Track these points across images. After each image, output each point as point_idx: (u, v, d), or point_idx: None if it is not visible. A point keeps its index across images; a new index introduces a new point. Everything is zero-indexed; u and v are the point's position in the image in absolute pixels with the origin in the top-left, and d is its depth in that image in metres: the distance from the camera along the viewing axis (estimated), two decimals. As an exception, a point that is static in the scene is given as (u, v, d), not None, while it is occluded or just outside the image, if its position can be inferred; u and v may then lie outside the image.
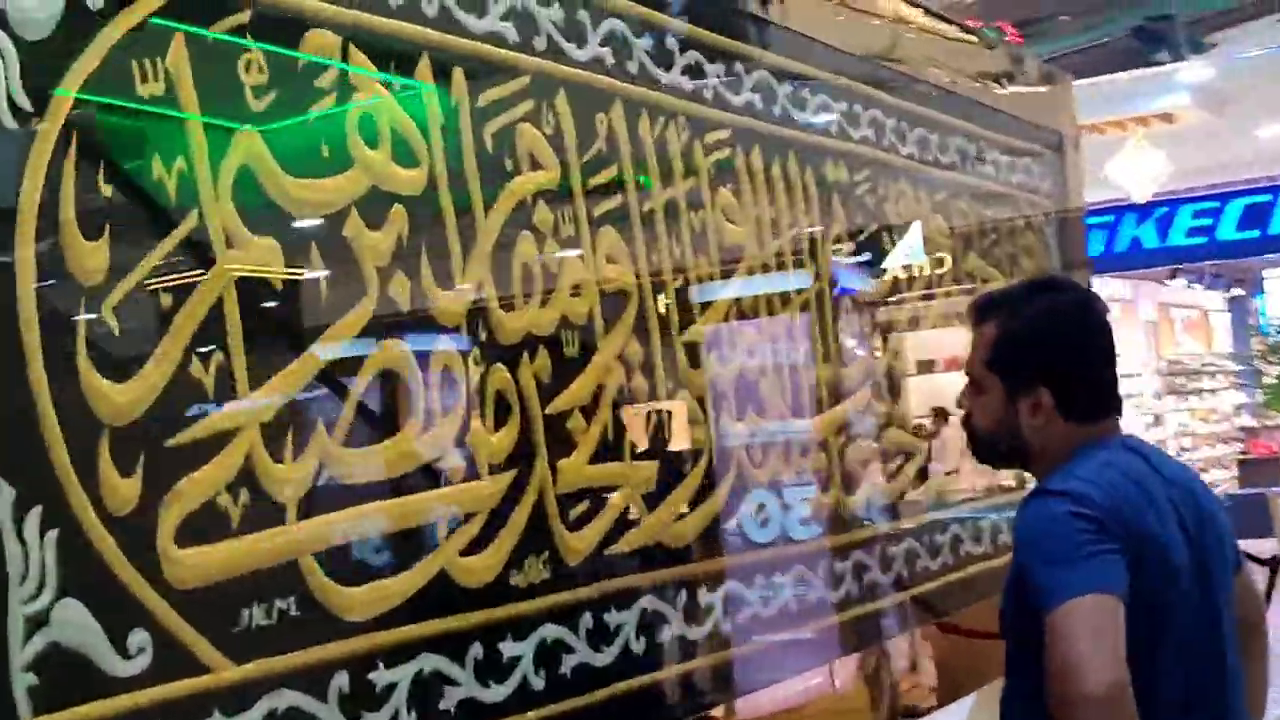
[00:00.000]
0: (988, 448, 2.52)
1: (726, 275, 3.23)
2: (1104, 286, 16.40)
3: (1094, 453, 2.39)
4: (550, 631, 2.55)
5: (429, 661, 2.28)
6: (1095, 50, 11.35)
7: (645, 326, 2.88)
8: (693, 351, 3.05)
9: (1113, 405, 2.47)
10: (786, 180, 3.48)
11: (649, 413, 2.89)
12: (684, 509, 2.95)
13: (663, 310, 2.94)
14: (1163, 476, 2.38)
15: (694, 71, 3.11)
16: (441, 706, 2.30)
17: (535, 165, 2.64)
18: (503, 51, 2.58)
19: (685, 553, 2.96)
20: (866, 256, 3.98)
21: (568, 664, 2.57)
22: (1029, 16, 9.57)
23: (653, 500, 2.86)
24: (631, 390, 2.84)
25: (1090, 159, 11.29)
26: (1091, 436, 2.39)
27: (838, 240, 3.78)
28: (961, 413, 2.50)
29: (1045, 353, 2.43)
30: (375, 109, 2.29)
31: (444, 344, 2.39)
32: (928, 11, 4.40)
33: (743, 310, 3.34)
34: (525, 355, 2.56)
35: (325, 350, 2.16)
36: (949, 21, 4.63)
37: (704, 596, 2.98)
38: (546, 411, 2.60)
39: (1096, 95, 10.23)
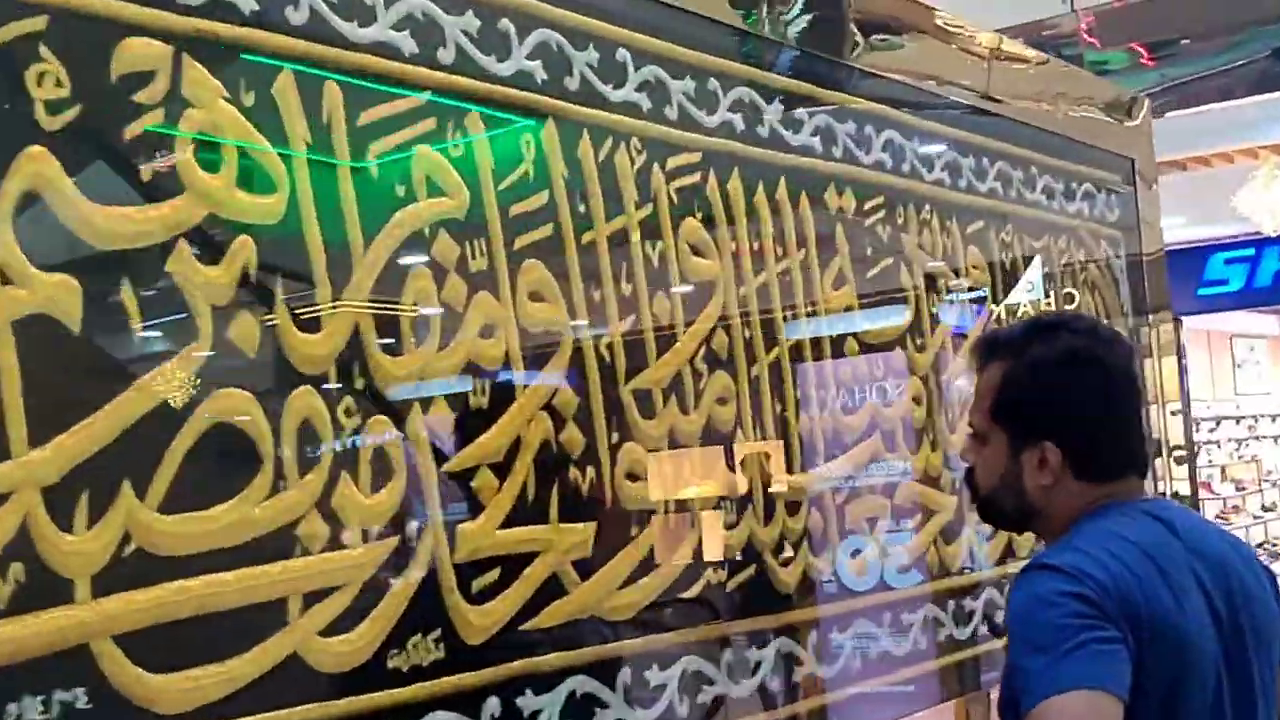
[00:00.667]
0: (991, 507, 2.20)
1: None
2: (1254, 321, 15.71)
3: (1105, 518, 2.05)
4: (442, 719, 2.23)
5: (273, 760, 1.98)
6: (1232, 73, 10.79)
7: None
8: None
9: (1133, 463, 2.10)
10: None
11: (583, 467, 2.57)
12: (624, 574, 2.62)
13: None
14: (1191, 549, 2.01)
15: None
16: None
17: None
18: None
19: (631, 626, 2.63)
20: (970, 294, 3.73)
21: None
22: (1162, 38, 9.11)
23: (586, 567, 2.53)
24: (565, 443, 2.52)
25: (1221, 189, 10.74)
26: (1105, 498, 2.08)
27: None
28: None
29: (1051, 402, 2.08)
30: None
31: (302, 393, 2.09)
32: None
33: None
34: (417, 406, 2.26)
35: (138, 400, 1.88)
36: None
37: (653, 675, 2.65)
38: (444, 469, 2.30)
39: (1226, 123, 9.69)
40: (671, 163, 2.83)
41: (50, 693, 1.75)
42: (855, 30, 3.44)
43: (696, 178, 2.91)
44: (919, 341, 3.57)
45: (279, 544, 2.03)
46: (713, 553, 2.84)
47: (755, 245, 3.06)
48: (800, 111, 3.19)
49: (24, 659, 1.73)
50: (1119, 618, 1.93)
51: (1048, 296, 4.10)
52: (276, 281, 2.08)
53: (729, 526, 2.89)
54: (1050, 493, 2.12)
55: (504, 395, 2.41)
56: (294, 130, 2.12)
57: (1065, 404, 2.12)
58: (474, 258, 2.39)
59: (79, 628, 1.78)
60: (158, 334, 1.93)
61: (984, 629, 3.57)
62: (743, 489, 2.93)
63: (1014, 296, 3.93)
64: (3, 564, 1.72)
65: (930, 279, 3.64)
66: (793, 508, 3.05)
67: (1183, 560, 2.05)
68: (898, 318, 3.50)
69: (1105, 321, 3.72)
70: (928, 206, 3.66)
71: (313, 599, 2.07)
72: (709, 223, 2.92)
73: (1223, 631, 2.04)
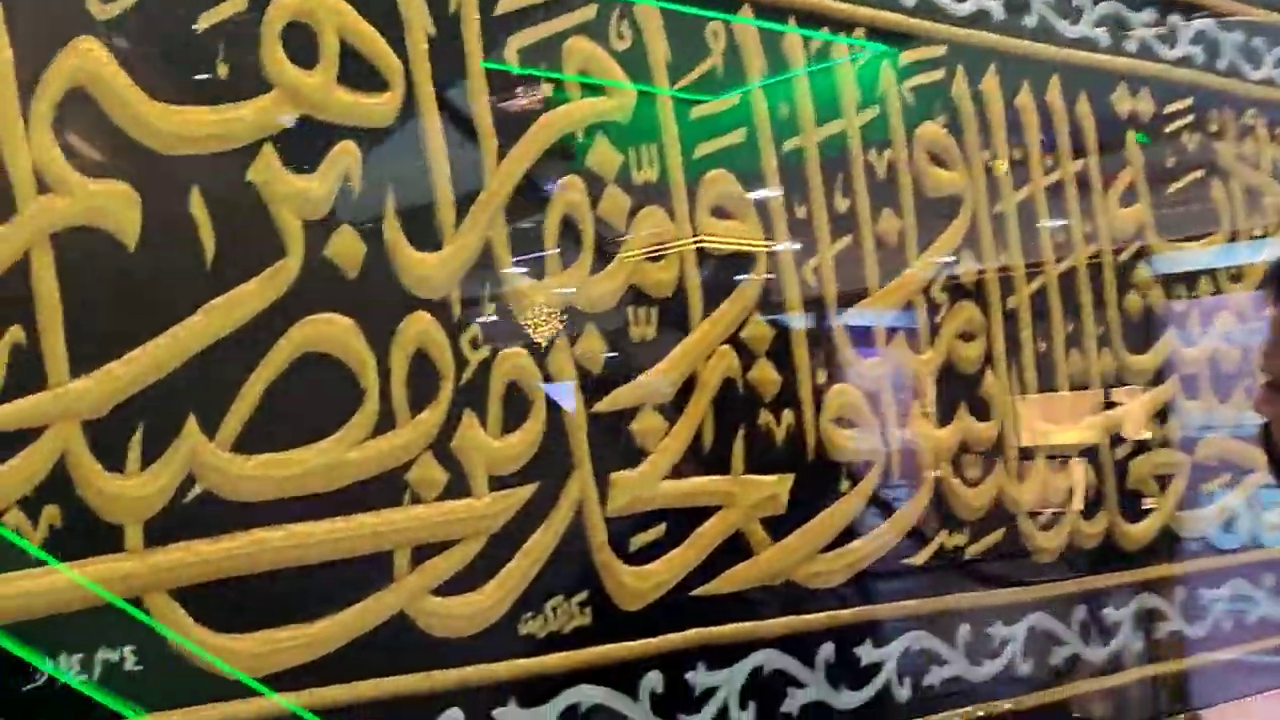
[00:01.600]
0: None
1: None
2: None
3: None
4: (588, 694, 1.95)
5: (371, 733, 1.75)
6: None
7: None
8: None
9: None
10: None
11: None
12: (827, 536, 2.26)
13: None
14: None
15: None
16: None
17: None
18: None
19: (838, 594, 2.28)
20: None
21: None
22: None
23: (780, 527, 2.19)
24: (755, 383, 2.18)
25: None
26: None
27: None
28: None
29: None
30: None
31: (416, 320, 1.83)
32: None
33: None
34: (562, 336, 1.97)
35: (208, 325, 1.66)
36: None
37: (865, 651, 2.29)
38: (596, 409, 2.00)
39: None
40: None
41: (92, 650, 1.55)
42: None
43: (938, 73, 2.49)
44: (1233, 271, 3.03)
45: (384, 491, 1.78)
46: (954, 513, 2.44)
47: (1015, 154, 2.61)
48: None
49: (61, 612, 1.53)
50: None
51: None
52: (387, 193, 1.81)
53: (972, 484, 2.47)
54: None
55: (676, 326, 2.09)
56: (412, 19, 1.85)
57: None
58: (639, 168, 2.07)
59: (125, 580, 1.58)
60: (237, 252, 1.69)
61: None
62: (991, 439, 2.50)
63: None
64: (34, 507, 1.52)
65: (1252, 195, 3.07)
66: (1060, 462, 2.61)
67: None
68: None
69: None
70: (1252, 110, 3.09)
71: (425, 554, 1.81)
72: (951, 129, 2.49)
73: None
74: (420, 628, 1.81)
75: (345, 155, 1.79)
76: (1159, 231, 2.87)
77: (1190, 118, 2.96)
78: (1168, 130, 2.92)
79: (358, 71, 1.81)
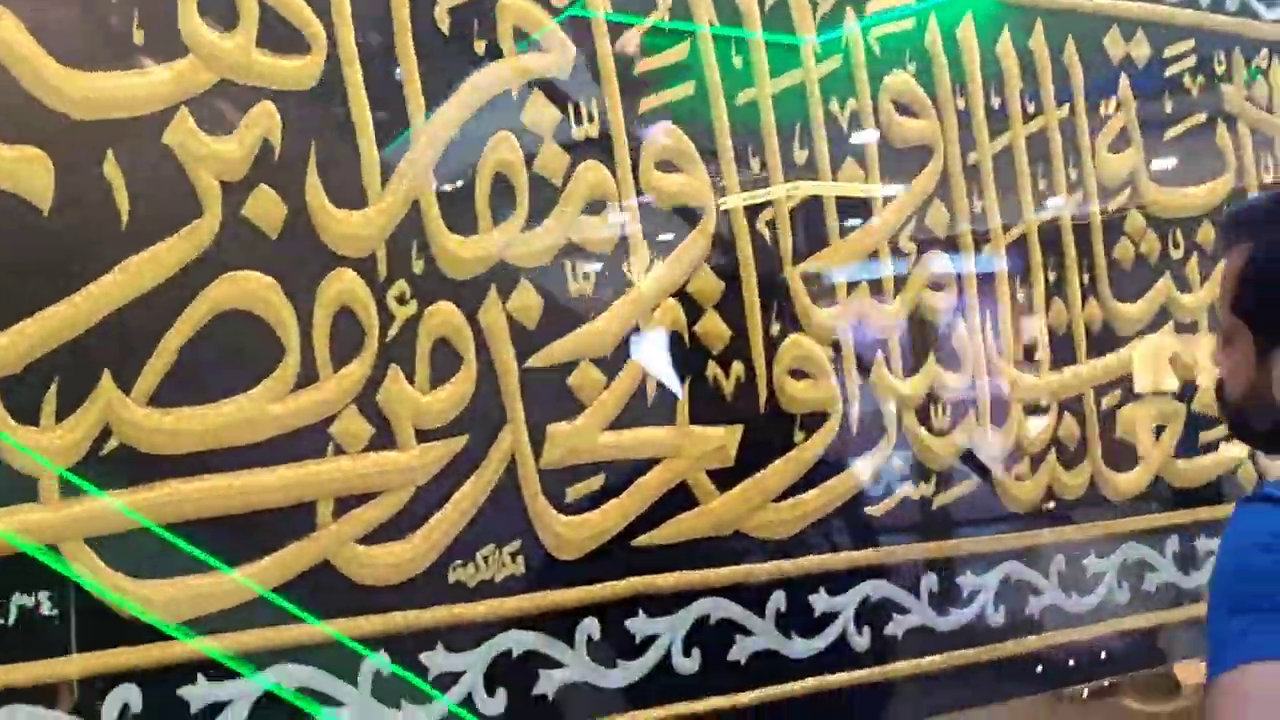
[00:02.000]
0: (1241, 423, 1.78)
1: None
2: None
3: None
4: (520, 639, 2.00)
5: (286, 674, 1.81)
6: None
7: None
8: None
9: None
10: None
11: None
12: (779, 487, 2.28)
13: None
14: None
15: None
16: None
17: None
18: None
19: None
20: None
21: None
22: None
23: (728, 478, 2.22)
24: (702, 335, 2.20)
25: None
26: None
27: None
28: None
29: None
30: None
31: (338, 277, 1.88)
32: None
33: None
34: (493, 292, 2.01)
35: (123, 285, 1.72)
36: None
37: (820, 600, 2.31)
38: (529, 363, 2.04)
39: None
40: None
41: (6, 597, 1.63)
42: None
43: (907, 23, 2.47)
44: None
45: (307, 444, 1.84)
46: (918, 464, 2.45)
47: (996, 102, 2.59)
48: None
49: (-21, 559, 1.62)
50: None
51: None
52: (310, 154, 1.86)
53: (940, 433, 2.47)
54: None
55: (614, 281, 2.11)
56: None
57: None
58: (580, 123, 2.09)
59: (38, 528, 1.65)
60: (154, 214, 1.75)
61: None
62: (958, 389, 2.50)
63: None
64: (-59, 458, 1.60)
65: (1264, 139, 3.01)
66: (1036, 413, 2.60)
67: None
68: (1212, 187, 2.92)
69: None
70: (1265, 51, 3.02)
71: (351, 505, 1.87)
72: (925, 77, 2.48)
73: None
74: (345, 575, 1.86)
75: (264, 117, 1.83)
76: (1157, 179, 2.81)
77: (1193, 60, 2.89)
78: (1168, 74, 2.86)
79: (279, 35, 1.85)
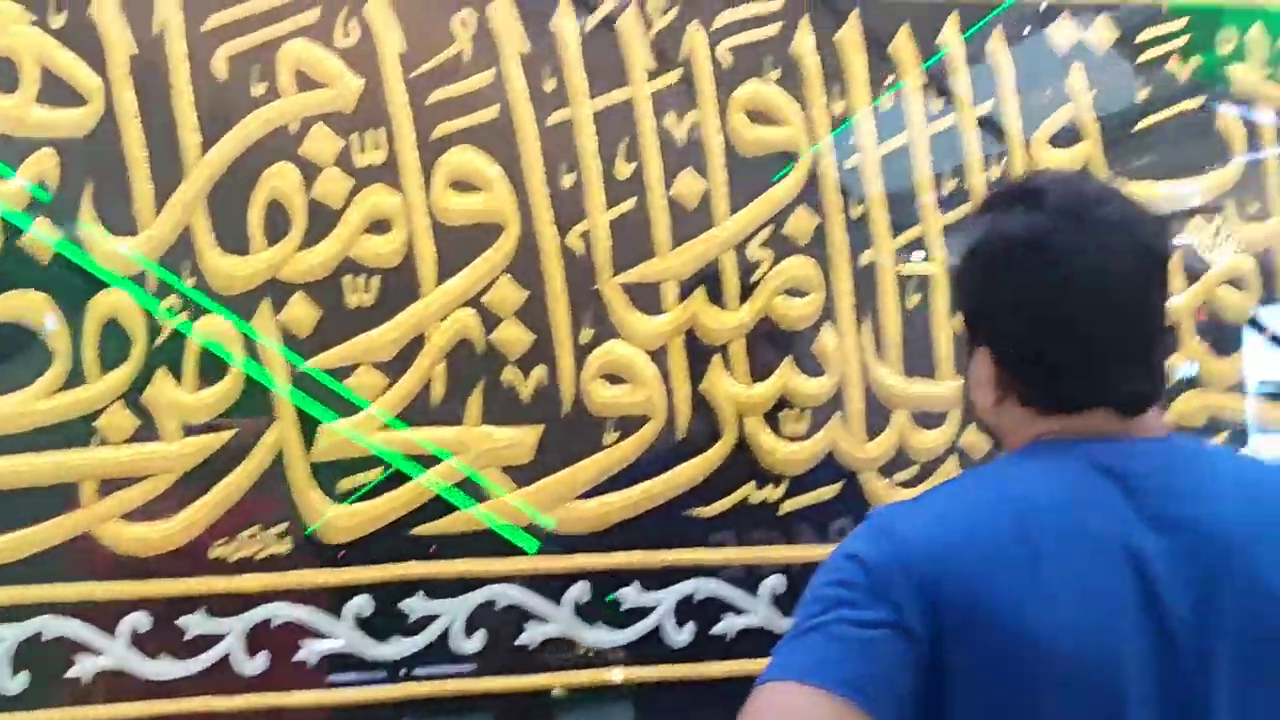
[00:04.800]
0: (980, 427, 1.83)
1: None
2: None
3: (1014, 463, 1.58)
4: (282, 611, 2.29)
5: (50, 625, 2.20)
6: None
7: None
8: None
9: (1104, 393, 1.53)
10: None
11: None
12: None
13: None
14: (1151, 519, 1.46)
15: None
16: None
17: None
18: None
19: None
20: None
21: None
22: None
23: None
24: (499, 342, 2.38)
25: None
26: (1053, 434, 1.54)
27: None
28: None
29: (982, 300, 1.59)
30: None
31: (109, 294, 2.23)
32: None
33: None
34: (266, 304, 2.30)
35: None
36: None
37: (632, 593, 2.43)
38: (307, 366, 2.31)
39: None
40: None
41: None
42: None
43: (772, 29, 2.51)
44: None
45: (73, 435, 2.20)
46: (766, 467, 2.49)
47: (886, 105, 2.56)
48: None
49: None
50: (910, 598, 1.44)
51: None
52: (84, 190, 2.22)
53: (793, 439, 2.50)
54: (999, 415, 1.60)
55: (400, 293, 2.33)
56: (114, 42, 2.23)
57: (996, 305, 1.58)
58: (363, 150, 2.33)
59: None
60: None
61: None
62: (822, 395, 2.51)
63: None
64: None
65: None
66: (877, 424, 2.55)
67: (1109, 534, 1.47)
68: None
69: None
70: None
71: (113, 486, 2.22)
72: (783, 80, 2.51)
73: (1168, 646, 1.45)
74: (108, 548, 2.21)
75: (42, 160, 2.21)
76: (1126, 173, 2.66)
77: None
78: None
79: (57, 91, 2.22)
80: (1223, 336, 2.71)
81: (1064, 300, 1.48)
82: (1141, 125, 2.68)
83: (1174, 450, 1.52)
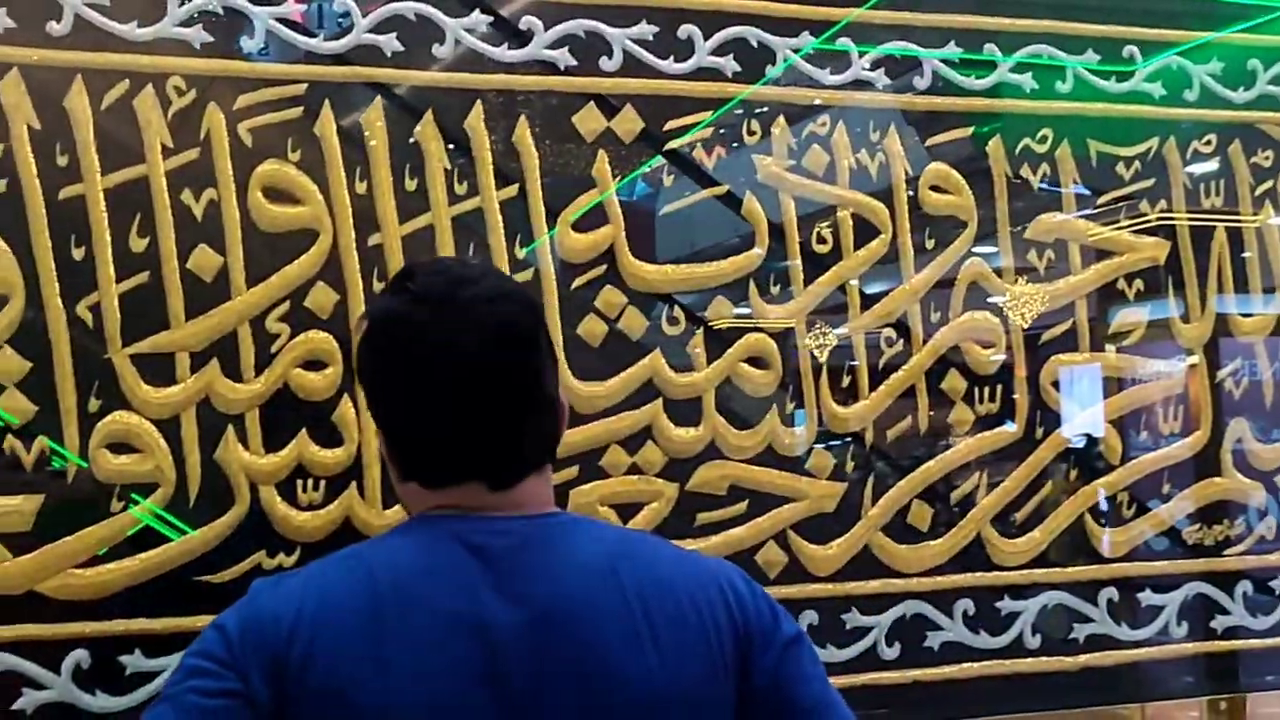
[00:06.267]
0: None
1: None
2: None
3: (393, 535, 1.65)
4: None
5: None
6: None
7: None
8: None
9: (473, 468, 1.61)
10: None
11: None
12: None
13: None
14: (509, 595, 1.53)
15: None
16: None
17: None
18: None
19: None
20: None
21: None
22: None
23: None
24: None
25: None
26: (437, 509, 1.63)
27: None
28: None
29: (362, 379, 1.70)
30: None
31: None
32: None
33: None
34: None
35: None
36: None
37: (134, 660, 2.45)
38: None
39: None
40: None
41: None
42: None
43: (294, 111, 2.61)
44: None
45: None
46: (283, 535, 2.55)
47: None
48: None
49: None
50: (257, 667, 1.50)
51: None
52: None
53: (313, 506, 2.57)
54: (401, 490, 1.72)
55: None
56: None
57: (371, 383, 1.69)
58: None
59: None
60: None
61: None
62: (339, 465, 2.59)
63: None
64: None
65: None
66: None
67: (460, 609, 1.53)
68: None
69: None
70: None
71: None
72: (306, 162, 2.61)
73: (512, 716, 1.50)
74: None
75: None
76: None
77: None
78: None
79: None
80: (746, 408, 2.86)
81: (420, 378, 1.59)
82: (667, 210, 2.84)
83: (538, 527, 1.62)
